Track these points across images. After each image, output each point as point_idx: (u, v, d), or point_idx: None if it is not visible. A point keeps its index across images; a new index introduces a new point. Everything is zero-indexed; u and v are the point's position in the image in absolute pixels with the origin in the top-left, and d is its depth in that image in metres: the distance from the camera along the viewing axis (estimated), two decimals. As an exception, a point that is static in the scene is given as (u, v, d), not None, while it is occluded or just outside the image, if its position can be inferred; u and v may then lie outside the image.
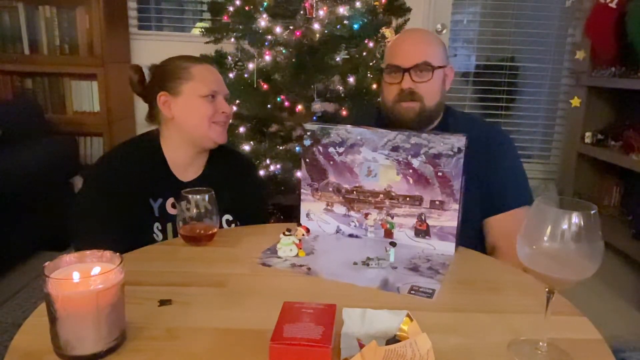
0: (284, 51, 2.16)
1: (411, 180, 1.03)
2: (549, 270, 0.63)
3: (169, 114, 1.23)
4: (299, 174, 1.94)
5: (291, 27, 2.10)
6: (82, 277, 0.63)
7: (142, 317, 0.73)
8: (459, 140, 0.97)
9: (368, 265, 0.95)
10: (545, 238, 0.62)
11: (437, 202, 1.01)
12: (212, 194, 1.05)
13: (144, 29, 3.08)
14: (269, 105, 2.18)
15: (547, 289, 0.67)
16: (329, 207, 1.11)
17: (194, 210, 1.03)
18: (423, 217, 1.03)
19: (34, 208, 2.29)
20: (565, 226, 0.61)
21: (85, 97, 2.80)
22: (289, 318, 0.65)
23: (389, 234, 1.07)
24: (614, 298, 2.22)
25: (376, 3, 2.18)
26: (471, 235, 1.21)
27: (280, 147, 2.17)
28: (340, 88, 2.18)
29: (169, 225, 1.22)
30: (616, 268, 2.48)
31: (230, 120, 1.36)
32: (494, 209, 1.24)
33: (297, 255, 0.98)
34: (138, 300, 0.77)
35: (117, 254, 0.68)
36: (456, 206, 1.00)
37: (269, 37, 2.11)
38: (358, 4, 2.10)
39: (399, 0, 2.28)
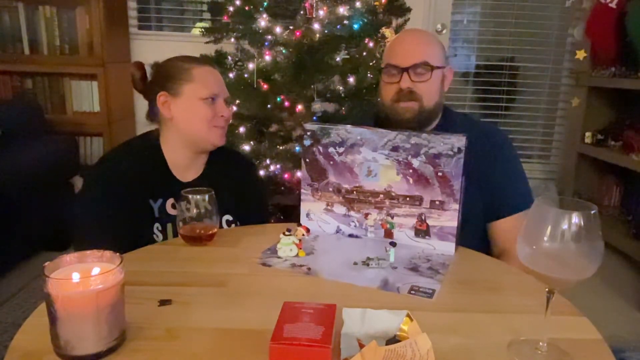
0: (284, 51, 2.16)
1: (411, 180, 1.03)
2: (549, 270, 0.63)
3: (168, 115, 1.23)
4: (299, 174, 1.94)
5: (291, 27, 2.10)
6: (82, 277, 0.63)
7: (142, 317, 0.73)
8: (459, 140, 0.97)
9: (368, 265, 0.95)
10: (545, 238, 0.62)
11: (437, 202, 1.01)
12: (212, 194, 1.05)
13: (144, 29, 3.08)
14: (269, 105, 2.18)
15: (547, 289, 0.67)
16: (329, 207, 1.11)
17: (194, 210, 1.03)
18: (423, 217, 1.03)
19: (34, 208, 2.29)
20: (565, 226, 0.61)
21: (85, 97, 2.80)
22: (289, 318, 0.65)
23: (389, 234, 1.07)
24: (614, 298, 2.22)
25: (376, 3, 2.18)
26: (472, 236, 1.21)
27: (280, 147, 2.17)
28: (340, 88, 2.18)
29: (169, 226, 1.22)
30: (616, 268, 2.48)
31: (231, 121, 1.35)
32: (498, 212, 1.24)
33: (297, 255, 0.98)
34: (138, 300, 0.77)
35: (117, 254, 0.68)
36: (456, 206, 1.00)
37: (269, 37, 2.11)
38: (358, 4, 2.10)
39: (399, 0, 2.28)
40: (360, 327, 0.69)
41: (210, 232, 1.04)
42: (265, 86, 2.16)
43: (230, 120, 1.30)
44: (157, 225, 1.21)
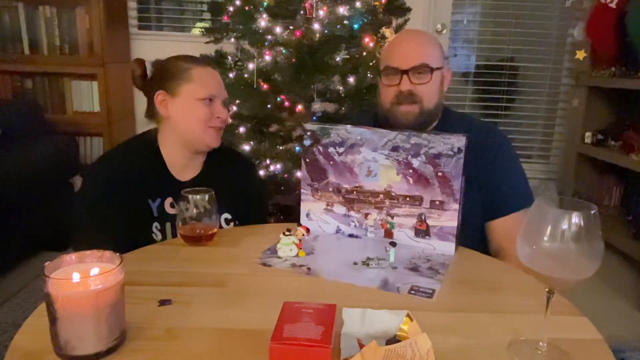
0: (284, 51, 2.16)
1: (411, 180, 1.03)
2: (549, 270, 0.63)
3: (165, 113, 1.24)
4: (299, 174, 1.94)
5: (291, 27, 2.10)
6: (82, 277, 0.63)
7: (142, 317, 0.73)
8: (459, 140, 0.97)
9: (368, 265, 0.95)
10: (545, 238, 0.62)
11: (437, 202, 1.01)
12: (212, 194, 1.05)
13: (144, 29, 3.08)
14: (269, 105, 2.18)
15: (547, 289, 0.67)
16: (329, 207, 1.11)
17: (194, 210, 1.03)
18: (423, 217, 1.03)
19: (34, 208, 2.29)
20: (565, 226, 0.61)
21: (85, 97, 2.80)
22: (289, 318, 0.65)
23: (389, 234, 1.07)
24: (614, 298, 2.22)
25: (376, 3, 2.18)
26: (472, 236, 1.21)
27: (280, 147, 2.17)
28: (340, 88, 2.18)
29: (168, 225, 1.22)
30: (616, 268, 2.48)
31: (230, 121, 1.36)
32: (497, 211, 1.24)
33: (297, 255, 0.98)
34: (138, 300, 0.77)
35: (117, 254, 0.68)
36: (456, 206, 1.00)
37: (269, 37, 2.11)
38: (358, 4, 2.10)
39: (399, 0, 2.28)
40: (360, 327, 0.69)
41: (210, 232, 1.04)
42: (265, 86, 2.16)
43: (228, 122, 1.30)
44: (155, 224, 1.21)
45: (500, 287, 0.88)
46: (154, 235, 1.20)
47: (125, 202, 1.17)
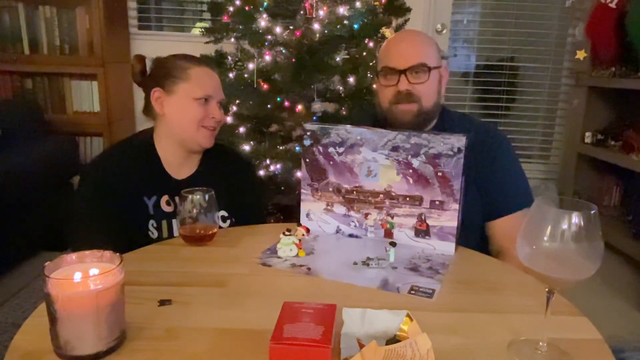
0: (284, 51, 2.16)
1: (411, 180, 1.03)
2: (549, 270, 0.63)
3: (161, 111, 1.24)
4: (299, 174, 1.94)
5: (291, 27, 2.10)
6: (82, 277, 0.63)
7: (142, 317, 0.73)
8: (459, 140, 0.97)
9: (368, 265, 0.95)
10: (545, 238, 0.62)
11: (437, 202, 1.01)
12: (212, 194, 1.05)
13: (144, 29, 3.08)
14: (269, 105, 2.18)
15: (547, 289, 0.67)
16: (329, 207, 1.11)
17: (194, 210, 1.03)
18: (423, 217, 1.03)
19: (34, 208, 2.29)
20: (565, 226, 0.61)
21: (85, 97, 2.80)
22: (289, 318, 0.65)
23: (389, 234, 1.07)
24: (614, 298, 2.22)
25: (376, 3, 2.18)
26: (472, 236, 1.21)
27: (280, 147, 2.17)
28: (340, 88, 2.18)
29: (164, 223, 1.23)
30: (616, 268, 2.48)
31: (226, 120, 1.36)
32: (497, 211, 1.24)
33: (297, 255, 0.98)
34: (138, 300, 0.77)
35: (117, 254, 0.68)
36: (456, 206, 1.00)
37: (269, 37, 2.11)
38: (358, 4, 2.10)
39: (399, 0, 2.28)
40: (360, 327, 0.69)
41: (210, 232, 1.04)
42: (265, 86, 2.16)
43: (222, 123, 1.30)
44: (152, 222, 1.21)
45: (500, 287, 0.88)
46: (150, 232, 1.21)
47: (122, 200, 1.18)
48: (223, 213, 1.27)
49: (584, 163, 2.93)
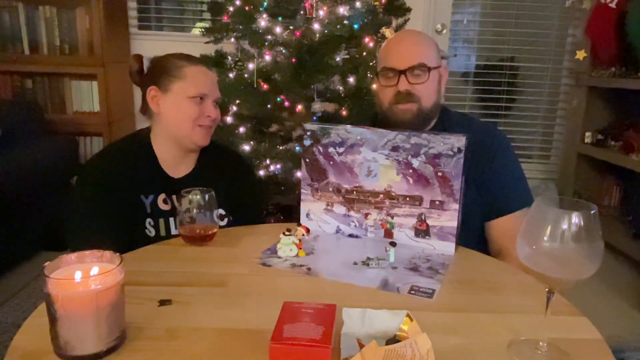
0: (284, 51, 2.16)
1: (411, 180, 1.03)
2: (549, 270, 0.63)
3: (156, 110, 1.25)
4: (299, 174, 1.94)
5: (291, 27, 2.10)
6: (82, 277, 0.63)
7: (142, 317, 0.73)
8: (459, 140, 0.97)
9: (368, 265, 0.95)
10: (545, 238, 0.62)
11: (437, 202, 1.01)
12: (212, 193, 1.05)
13: (144, 29, 3.08)
14: (269, 105, 2.18)
15: (547, 289, 0.67)
16: (329, 207, 1.11)
17: (194, 210, 1.03)
18: (423, 217, 1.03)
19: (34, 208, 2.29)
20: (565, 226, 0.61)
21: (85, 97, 2.80)
22: (289, 318, 0.65)
23: (389, 234, 1.07)
24: (614, 298, 2.22)
25: (376, 3, 2.18)
26: (472, 236, 1.21)
27: (280, 147, 2.17)
28: (340, 88, 2.18)
29: (161, 221, 1.23)
30: (616, 268, 2.48)
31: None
32: (496, 211, 1.24)
33: (297, 255, 0.98)
34: (138, 300, 0.77)
35: (117, 254, 0.68)
36: (456, 206, 1.00)
37: (269, 37, 2.11)
38: (358, 4, 2.10)
39: (399, 0, 2.28)
40: (360, 327, 0.69)
41: (210, 232, 1.04)
42: (265, 86, 2.16)
43: (218, 122, 1.30)
44: (149, 220, 1.22)
45: (500, 287, 0.88)
46: (147, 231, 1.21)
47: (119, 198, 1.18)
48: (221, 211, 1.27)
49: (584, 163, 2.93)
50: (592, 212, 0.61)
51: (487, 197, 1.24)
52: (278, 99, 2.14)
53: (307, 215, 1.14)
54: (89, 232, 1.16)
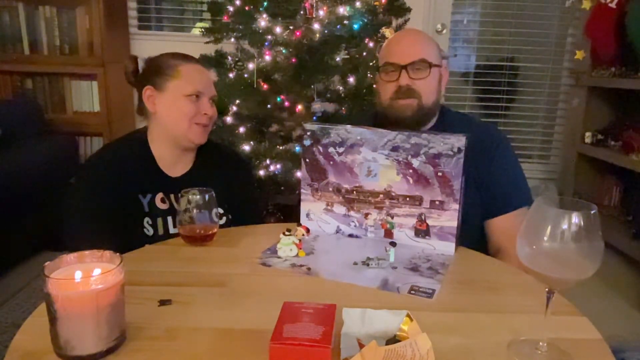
0: (284, 51, 2.16)
1: (411, 180, 1.03)
2: (549, 270, 0.63)
3: (153, 109, 1.26)
4: (299, 174, 1.94)
5: (291, 27, 2.10)
6: (82, 277, 0.63)
7: (142, 317, 0.73)
8: (458, 140, 0.97)
9: (368, 265, 0.95)
10: (545, 238, 0.62)
11: (437, 202, 1.01)
12: (212, 193, 1.05)
13: (144, 29, 3.08)
14: (269, 105, 2.18)
15: (547, 289, 0.67)
16: (329, 207, 1.11)
17: (194, 210, 1.03)
18: (423, 217, 1.03)
19: (34, 208, 2.29)
20: (565, 226, 0.61)
21: (85, 97, 2.80)
22: (289, 318, 0.65)
23: (389, 234, 1.07)
24: (614, 298, 2.22)
25: (376, 3, 2.18)
26: (471, 235, 1.21)
27: (280, 147, 2.17)
28: (340, 88, 2.18)
29: (159, 220, 1.24)
30: (616, 268, 2.48)
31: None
32: (495, 210, 1.24)
33: (297, 255, 0.98)
34: (138, 300, 0.77)
35: (117, 254, 0.68)
36: (456, 206, 1.00)
37: (269, 37, 2.11)
38: (358, 4, 2.10)
39: (399, 0, 2.28)
40: (360, 327, 0.69)
41: (210, 232, 1.04)
42: (265, 86, 2.16)
43: (215, 119, 1.31)
44: (147, 219, 1.22)
45: (500, 287, 0.88)
46: (145, 230, 1.22)
47: (116, 198, 1.18)
48: (219, 210, 1.27)
49: (584, 163, 2.93)
50: (592, 212, 0.61)
51: (486, 196, 1.24)
52: (278, 99, 2.14)
53: (307, 215, 1.14)
54: (87, 231, 1.16)
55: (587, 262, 0.62)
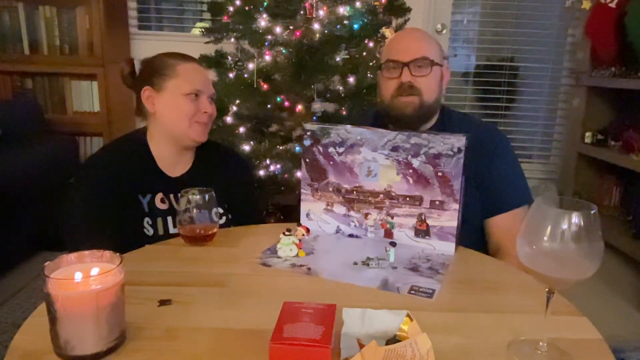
0: (284, 51, 2.16)
1: (411, 180, 1.03)
2: (549, 270, 0.63)
3: (152, 109, 1.25)
4: (299, 174, 1.94)
5: (291, 27, 2.10)
6: (82, 277, 0.63)
7: (142, 317, 0.73)
8: (458, 140, 0.97)
9: (368, 265, 0.95)
10: (545, 238, 0.62)
11: (437, 202, 1.01)
12: (212, 193, 1.05)
13: (144, 29, 3.08)
14: (269, 105, 2.18)
15: (547, 289, 0.67)
16: (329, 207, 1.11)
17: (194, 210, 1.03)
18: (423, 217, 1.03)
19: (34, 208, 2.29)
20: (565, 226, 0.61)
21: (85, 97, 2.80)
22: (289, 318, 0.65)
23: (389, 234, 1.07)
24: (614, 298, 2.22)
25: (376, 3, 2.18)
26: (471, 236, 1.21)
27: (280, 147, 2.17)
28: (340, 88, 2.18)
29: (159, 220, 1.24)
30: (616, 268, 2.48)
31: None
32: (495, 209, 1.24)
33: (297, 255, 0.98)
34: (138, 300, 0.77)
35: (117, 254, 0.68)
36: (456, 206, 1.00)
37: (269, 37, 2.11)
38: (358, 4, 2.10)
39: (399, 0, 2.28)
40: (360, 327, 0.69)
41: (210, 232, 1.04)
42: (265, 86, 2.16)
43: (214, 117, 1.31)
44: (147, 219, 1.22)
45: (500, 287, 0.88)
46: (145, 230, 1.22)
47: (117, 198, 1.19)
48: (219, 210, 1.27)
49: (584, 163, 2.93)
50: (592, 212, 0.61)
51: (486, 195, 1.24)
52: (278, 99, 2.14)
53: (307, 215, 1.14)
54: (86, 232, 1.16)
55: (587, 262, 0.62)
